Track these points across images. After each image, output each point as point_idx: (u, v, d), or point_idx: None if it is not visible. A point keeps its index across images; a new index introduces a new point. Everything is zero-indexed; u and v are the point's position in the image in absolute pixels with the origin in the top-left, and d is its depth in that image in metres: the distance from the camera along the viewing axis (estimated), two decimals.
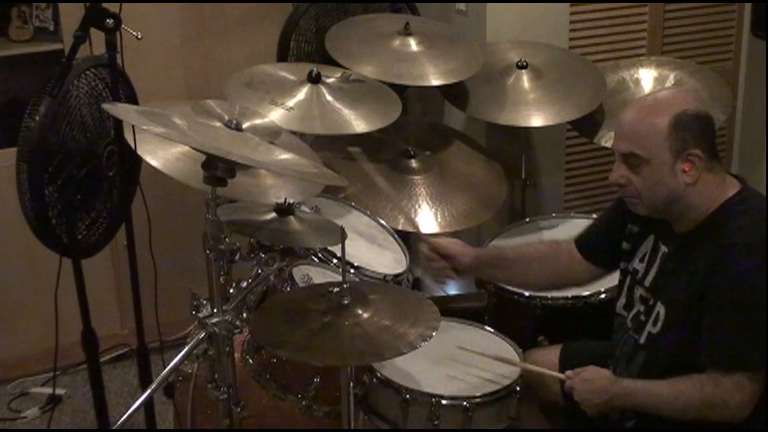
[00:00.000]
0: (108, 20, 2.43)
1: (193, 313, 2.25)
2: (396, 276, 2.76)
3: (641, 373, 2.25)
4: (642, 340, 2.27)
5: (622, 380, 2.24)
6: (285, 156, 2.28)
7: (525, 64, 3.23)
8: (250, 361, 2.47)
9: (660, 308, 2.22)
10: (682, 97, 2.20)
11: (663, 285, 2.24)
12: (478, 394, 2.31)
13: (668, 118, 2.12)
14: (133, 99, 2.84)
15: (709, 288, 2.10)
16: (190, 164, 2.44)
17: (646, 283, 2.30)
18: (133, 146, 2.45)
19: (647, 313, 2.27)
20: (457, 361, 2.47)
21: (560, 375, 2.33)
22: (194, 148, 2.12)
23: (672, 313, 2.19)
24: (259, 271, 2.52)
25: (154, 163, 2.47)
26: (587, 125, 3.25)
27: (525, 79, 3.22)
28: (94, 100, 2.70)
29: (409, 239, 3.08)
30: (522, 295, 2.79)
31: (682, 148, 2.12)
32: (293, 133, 2.83)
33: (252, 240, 2.60)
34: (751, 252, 2.08)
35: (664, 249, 2.27)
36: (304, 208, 2.62)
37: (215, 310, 2.19)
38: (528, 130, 3.40)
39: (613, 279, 2.51)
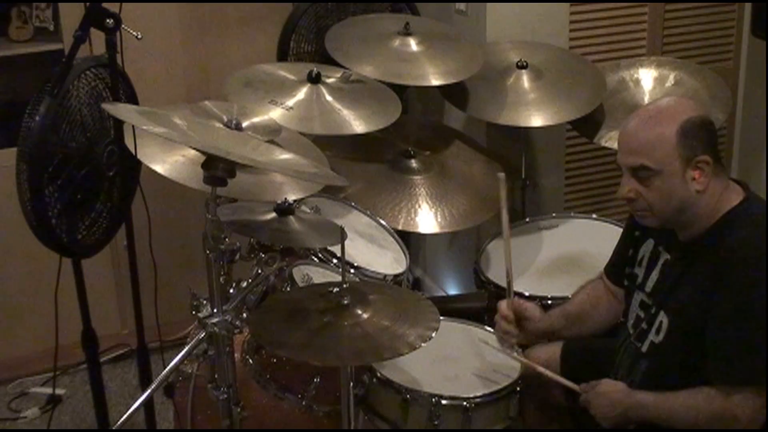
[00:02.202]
0: (108, 20, 2.43)
1: (193, 313, 2.25)
2: (396, 276, 2.75)
3: (643, 380, 2.25)
4: (644, 348, 2.26)
5: (636, 393, 2.22)
6: (285, 156, 2.28)
7: (525, 64, 3.23)
8: (250, 361, 2.47)
9: (663, 317, 2.21)
10: (684, 105, 2.19)
11: (666, 293, 2.23)
12: (478, 394, 2.31)
13: (675, 126, 2.11)
14: (133, 99, 2.84)
15: (713, 301, 2.10)
16: (190, 167, 2.44)
17: (647, 289, 2.29)
18: (133, 147, 2.45)
19: (649, 321, 2.26)
20: (457, 361, 2.47)
21: (575, 386, 2.32)
22: (194, 148, 2.12)
23: (676, 323, 2.18)
24: (259, 271, 2.52)
25: (155, 167, 2.47)
26: (587, 125, 3.24)
27: (525, 79, 3.22)
28: (94, 100, 2.70)
29: (409, 239, 3.08)
30: (522, 295, 2.78)
31: (691, 155, 2.11)
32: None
33: (252, 240, 2.60)
34: (754, 265, 2.07)
35: (666, 256, 2.26)
36: (304, 208, 2.62)
37: (215, 310, 2.20)
38: (528, 130, 3.40)
39: None
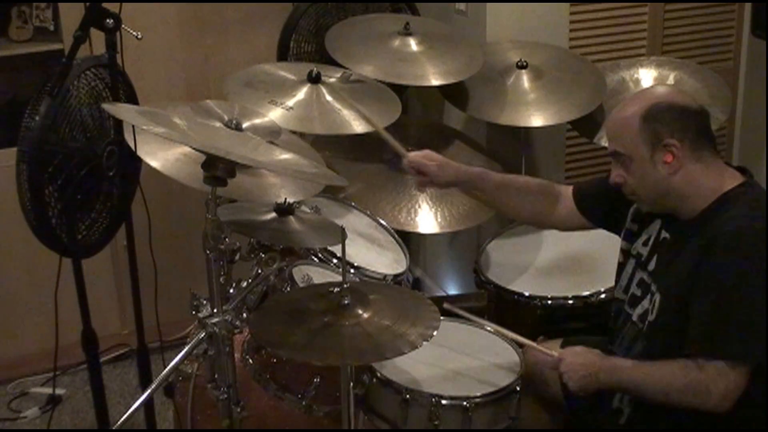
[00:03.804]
0: (108, 20, 2.43)
1: (193, 313, 2.25)
2: (396, 276, 2.76)
3: (640, 360, 2.26)
4: (644, 328, 2.28)
5: (612, 357, 2.26)
6: (285, 156, 2.28)
7: (525, 64, 3.23)
8: (250, 361, 2.47)
9: (657, 296, 2.23)
10: (659, 92, 2.25)
11: (661, 272, 2.25)
12: (478, 394, 2.31)
13: (639, 112, 2.16)
14: (133, 99, 2.85)
15: (699, 275, 2.11)
16: (190, 165, 2.44)
17: (649, 268, 2.30)
18: (133, 147, 2.45)
19: (649, 300, 2.27)
20: (457, 361, 2.47)
21: (551, 352, 2.34)
22: (194, 148, 2.12)
23: (666, 301, 2.20)
24: (259, 271, 2.52)
25: (154, 164, 2.48)
26: (587, 125, 3.25)
27: (525, 79, 3.22)
28: (94, 100, 2.70)
29: (409, 239, 3.08)
30: (522, 295, 2.80)
31: (656, 139, 2.15)
32: (293, 133, 2.83)
33: (252, 240, 2.60)
34: (744, 243, 2.08)
35: (665, 235, 2.28)
36: (304, 208, 2.62)
37: (215, 310, 2.19)
38: (528, 130, 3.40)
39: (613, 279, 2.52)
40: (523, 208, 2.57)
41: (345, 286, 2.10)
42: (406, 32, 3.18)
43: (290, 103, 2.89)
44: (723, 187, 2.17)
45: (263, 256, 2.55)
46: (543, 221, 2.60)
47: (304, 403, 2.41)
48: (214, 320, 2.18)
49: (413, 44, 3.17)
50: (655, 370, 2.16)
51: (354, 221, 2.90)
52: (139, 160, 2.55)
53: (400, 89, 3.22)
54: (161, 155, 2.50)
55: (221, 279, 2.19)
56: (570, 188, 2.56)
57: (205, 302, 2.24)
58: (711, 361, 2.09)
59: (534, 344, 2.40)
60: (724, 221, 2.12)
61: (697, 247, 2.13)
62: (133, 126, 2.37)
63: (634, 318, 2.32)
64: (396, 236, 2.93)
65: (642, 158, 2.17)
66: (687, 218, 2.21)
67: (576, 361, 2.26)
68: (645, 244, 2.35)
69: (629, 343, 2.32)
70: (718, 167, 2.20)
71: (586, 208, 2.51)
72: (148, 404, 2.84)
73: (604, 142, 3.19)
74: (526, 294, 2.79)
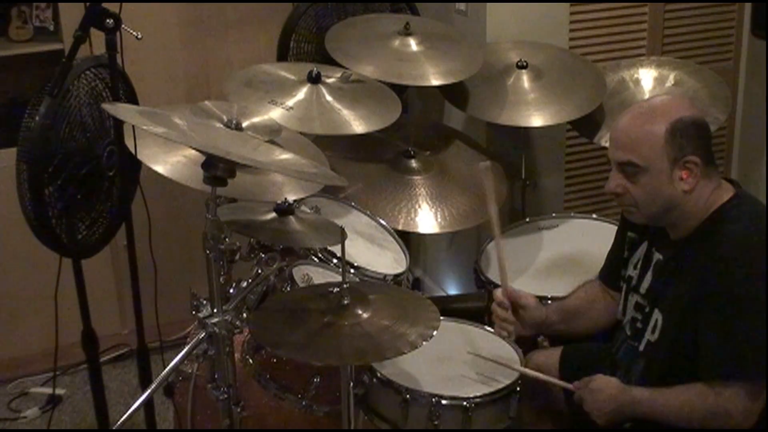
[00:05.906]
0: (108, 20, 2.43)
1: (193, 313, 2.25)
2: (396, 276, 2.75)
3: (640, 380, 2.26)
4: (641, 347, 2.27)
5: (631, 389, 2.22)
6: (285, 156, 2.28)
7: (525, 64, 3.23)
8: (250, 361, 2.47)
9: (657, 315, 2.22)
10: (678, 104, 2.20)
11: (659, 292, 2.24)
12: (478, 394, 2.31)
13: (665, 125, 2.11)
14: (133, 99, 2.85)
15: (703, 297, 2.10)
16: (191, 167, 2.44)
17: (642, 290, 2.30)
18: (133, 147, 2.45)
19: (644, 320, 2.26)
20: (457, 361, 2.47)
21: (568, 385, 2.32)
22: (194, 148, 2.13)
23: (669, 321, 2.19)
24: (259, 271, 2.52)
25: (156, 168, 2.47)
26: (587, 125, 3.24)
27: (525, 79, 3.22)
28: (94, 100, 2.70)
29: (409, 239, 3.08)
30: None
31: (679, 155, 2.11)
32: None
33: (252, 240, 2.60)
34: (745, 259, 2.07)
35: (658, 256, 2.27)
36: (304, 208, 2.62)
37: (215, 310, 2.20)
38: (528, 130, 3.40)
39: None
40: (598, 321, 2.52)
41: (345, 286, 2.10)
42: (406, 32, 3.17)
43: (290, 103, 2.89)
44: (716, 203, 2.16)
45: (263, 256, 2.55)
46: (614, 317, 2.48)
47: (304, 403, 2.42)
48: (214, 320, 2.18)
49: (413, 44, 3.17)
50: (673, 399, 2.14)
51: (354, 221, 2.90)
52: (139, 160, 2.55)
53: (400, 89, 3.22)
54: (162, 158, 2.50)
55: (221, 279, 2.19)
56: (596, 281, 2.55)
57: (205, 302, 2.24)
58: (727, 385, 2.08)
59: (555, 380, 2.39)
60: (723, 239, 2.11)
61: (697, 267, 2.12)
62: (133, 126, 2.37)
63: (632, 339, 2.31)
64: (396, 236, 2.93)
65: (660, 171, 2.12)
66: (680, 235, 2.20)
67: (598, 398, 2.23)
68: (635, 267, 2.35)
69: (629, 362, 2.31)
70: (718, 182, 2.19)
71: (616, 284, 2.46)
72: (148, 404, 2.84)
73: (604, 142, 3.19)
74: None
